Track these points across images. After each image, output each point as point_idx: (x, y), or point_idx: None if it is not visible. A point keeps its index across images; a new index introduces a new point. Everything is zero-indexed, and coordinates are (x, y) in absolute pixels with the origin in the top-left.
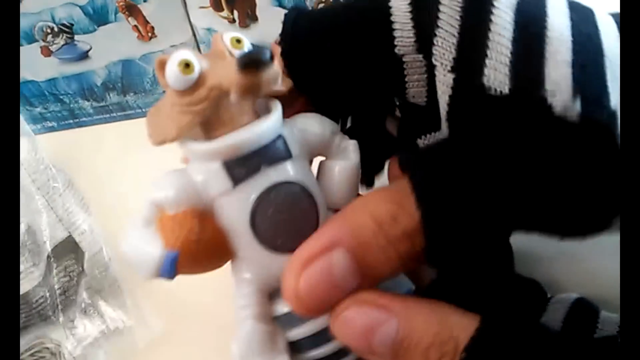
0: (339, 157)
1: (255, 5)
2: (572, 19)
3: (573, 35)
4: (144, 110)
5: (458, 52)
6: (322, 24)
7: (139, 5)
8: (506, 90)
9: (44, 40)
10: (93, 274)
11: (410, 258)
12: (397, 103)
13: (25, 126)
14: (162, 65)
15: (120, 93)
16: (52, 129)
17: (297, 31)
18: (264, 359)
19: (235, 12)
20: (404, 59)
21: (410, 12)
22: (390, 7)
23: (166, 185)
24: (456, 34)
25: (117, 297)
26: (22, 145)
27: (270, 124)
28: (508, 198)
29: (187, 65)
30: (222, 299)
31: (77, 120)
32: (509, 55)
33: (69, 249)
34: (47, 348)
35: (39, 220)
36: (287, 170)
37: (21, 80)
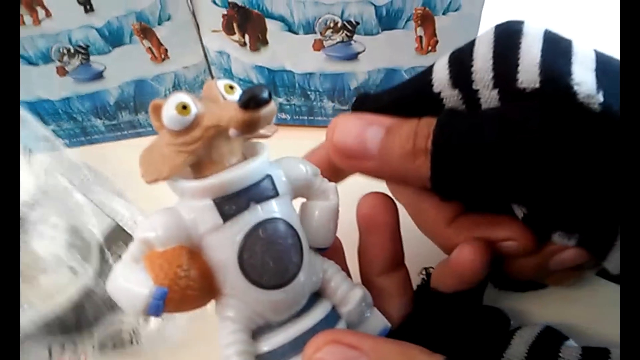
0: (320, 198)
1: (266, 30)
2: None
3: (597, 58)
4: (154, 129)
5: (495, 73)
6: (386, 104)
7: (153, 29)
8: (537, 85)
9: (60, 61)
10: None
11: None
12: None
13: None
14: (157, 108)
15: (133, 112)
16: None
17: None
18: None
19: (247, 36)
20: (441, 96)
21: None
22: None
23: (155, 224)
24: (492, 62)
25: None
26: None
27: (259, 164)
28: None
29: (184, 107)
30: None
31: (89, 137)
32: (539, 57)
33: (116, 236)
34: (123, 330)
35: (82, 217)
36: (274, 208)
37: (36, 99)
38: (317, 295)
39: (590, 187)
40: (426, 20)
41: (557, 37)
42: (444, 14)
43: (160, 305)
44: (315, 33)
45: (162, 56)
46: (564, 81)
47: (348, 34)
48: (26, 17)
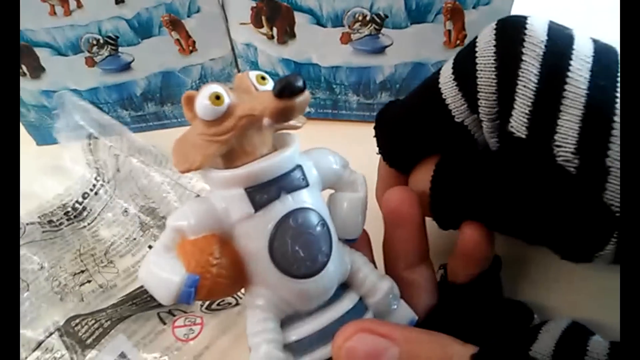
0: (348, 189)
1: (294, 23)
2: (592, 71)
3: (589, 88)
4: (179, 120)
5: (498, 106)
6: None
7: (182, 21)
8: (523, 135)
9: (89, 52)
10: None
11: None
12: None
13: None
14: (190, 99)
15: (159, 103)
16: None
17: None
18: None
19: (275, 29)
20: (464, 123)
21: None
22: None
23: (188, 213)
24: (494, 91)
25: None
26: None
27: (289, 154)
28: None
29: (217, 97)
30: None
31: None
32: (530, 106)
33: None
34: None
35: (158, 195)
36: (305, 198)
37: (64, 88)
38: (345, 286)
39: (562, 235)
40: (456, 14)
41: (555, 62)
42: (474, 7)
43: (192, 292)
44: (343, 26)
45: (190, 48)
46: (547, 141)
47: (376, 27)
48: (57, 8)
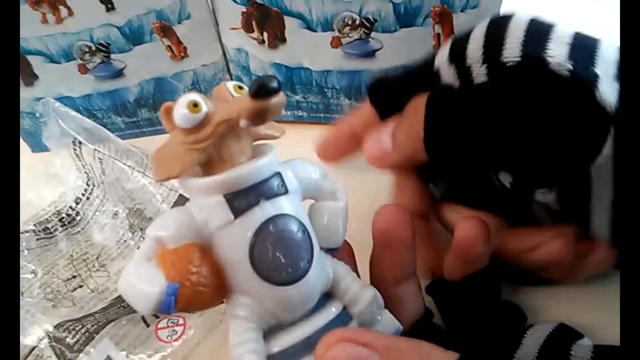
0: (328, 199)
1: (284, 27)
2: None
3: (574, 36)
4: None
5: (484, 50)
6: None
7: (173, 27)
8: (518, 58)
9: (81, 59)
10: None
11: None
12: None
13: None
14: (169, 110)
15: (152, 109)
16: None
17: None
18: None
19: (265, 34)
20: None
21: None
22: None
23: (167, 222)
24: (483, 42)
25: None
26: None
27: (267, 161)
28: (499, 130)
29: (195, 105)
30: None
31: None
32: (522, 38)
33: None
34: None
35: (144, 196)
36: (284, 204)
37: (58, 95)
38: (328, 296)
39: (561, 140)
40: (444, 17)
41: (541, 22)
42: (462, 11)
43: (172, 301)
44: (333, 30)
45: (182, 54)
46: (540, 54)
47: (366, 31)
48: (49, 16)
